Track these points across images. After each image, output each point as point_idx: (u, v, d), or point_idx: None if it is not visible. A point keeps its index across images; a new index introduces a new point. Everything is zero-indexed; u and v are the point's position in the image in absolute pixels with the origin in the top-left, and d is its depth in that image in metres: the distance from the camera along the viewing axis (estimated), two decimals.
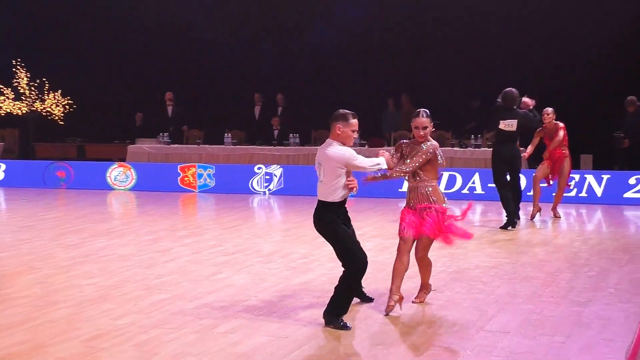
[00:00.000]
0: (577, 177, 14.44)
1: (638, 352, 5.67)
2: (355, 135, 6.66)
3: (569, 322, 6.68)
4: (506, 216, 11.72)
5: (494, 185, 12.14)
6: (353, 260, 6.41)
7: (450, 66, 18.20)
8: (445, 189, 14.41)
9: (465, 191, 14.87)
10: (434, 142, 7.08)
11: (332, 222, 6.48)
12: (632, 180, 14.32)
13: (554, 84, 16.61)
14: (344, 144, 6.43)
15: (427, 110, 7.09)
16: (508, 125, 11.52)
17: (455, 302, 7.23)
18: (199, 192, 16.00)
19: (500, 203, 11.92)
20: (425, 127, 6.98)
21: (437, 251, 9.69)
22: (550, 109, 12.08)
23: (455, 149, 16.19)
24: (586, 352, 5.90)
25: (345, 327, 6.29)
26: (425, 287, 7.29)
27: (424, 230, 6.89)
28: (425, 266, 7.18)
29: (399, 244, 6.96)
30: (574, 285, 8.08)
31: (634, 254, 9.74)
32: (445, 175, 14.74)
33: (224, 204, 14.93)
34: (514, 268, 9.02)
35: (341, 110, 6.58)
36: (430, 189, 7.01)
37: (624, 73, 16.30)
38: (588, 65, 16.71)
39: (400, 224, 7.02)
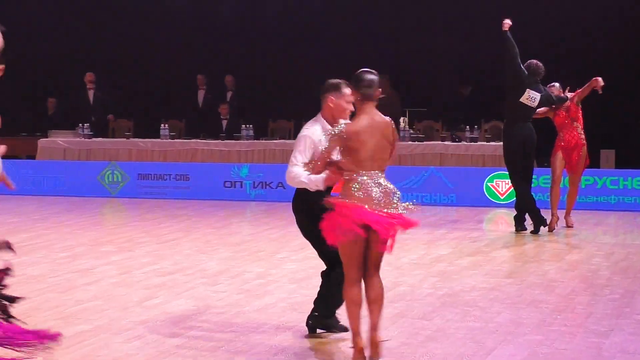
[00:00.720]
0: (594, 177, 14.70)
1: None
2: (351, 107, 6.69)
3: (586, 356, 6.67)
4: (532, 217, 12.01)
5: (508, 180, 12.42)
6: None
7: (438, 45, 18.36)
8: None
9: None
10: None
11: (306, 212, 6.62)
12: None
13: (567, 67, 16.83)
14: (337, 118, 6.55)
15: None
16: (531, 99, 11.68)
17: (446, 333, 7.21)
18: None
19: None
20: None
21: (424, 269, 9.79)
22: (556, 84, 12.33)
23: (446, 143, 16.36)
24: None
25: (345, 328, 6.52)
26: None
27: None
28: None
29: None
30: (592, 311, 8.09)
31: None
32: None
33: (161, 212, 14.97)
34: (518, 290, 9.03)
35: (332, 80, 6.77)
36: None
37: None
38: (610, 46, 17.07)
39: None
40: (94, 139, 17.40)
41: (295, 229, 7.22)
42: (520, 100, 11.83)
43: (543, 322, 7.75)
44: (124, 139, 17.38)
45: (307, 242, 6.84)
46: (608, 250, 11.25)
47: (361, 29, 19.09)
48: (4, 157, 17.02)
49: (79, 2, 19.63)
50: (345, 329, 6.89)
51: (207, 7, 19.82)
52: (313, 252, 6.92)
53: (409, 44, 18.70)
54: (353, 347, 6.03)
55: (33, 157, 17.49)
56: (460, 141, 16.30)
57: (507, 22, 12.20)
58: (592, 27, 17.64)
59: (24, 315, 7.78)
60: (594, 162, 15.59)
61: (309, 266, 9.52)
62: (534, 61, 11.94)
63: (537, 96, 11.80)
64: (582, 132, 12.47)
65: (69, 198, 15.94)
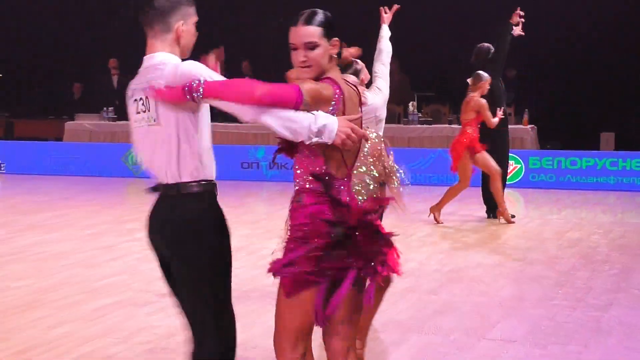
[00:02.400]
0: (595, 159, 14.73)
1: None
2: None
3: (586, 329, 6.71)
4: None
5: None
6: None
7: (446, 31, 18.24)
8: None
9: None
10: None
11: None
12: (635, 164, 14.54)
13: (568, 51, 16.88)
14: None
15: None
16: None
17: (453, 307, 7.26)
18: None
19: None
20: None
21: (431, 246, 9.82)
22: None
23: (453, 126, 16.26)
24: None
25: None
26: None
27: None
28: None
29: None
30: (591, 286, 8.13)
31: None
32: None
33: None
34: (521, 266, 9.08)
35: None
36: None
37: None
38: (610, 30, 16.90)
39: None
40: (118, 122, 17.40)
41: None
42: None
43: (545, 296, 7.81)
44: None
45: None
46: (607, 228, 11.28)
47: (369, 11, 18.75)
48: (34, 139, 17.15)
49: None
50: None
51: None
52: None
53: (417, 30, 18.35)
54: None
55: (60, 139, 17.56)
56: None
57: (519, 14, 11.92)
58: (589, 15, 17.38)
59: (51, 289, 7.96)
60: (594, 144, 15.74)
61: None
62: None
63: None
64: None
65: (94, 178, 16.03)
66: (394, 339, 6.45)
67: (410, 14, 18.64)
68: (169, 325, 6.50)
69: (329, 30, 3.86)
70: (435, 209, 11.69)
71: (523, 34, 11.65)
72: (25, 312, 7.18)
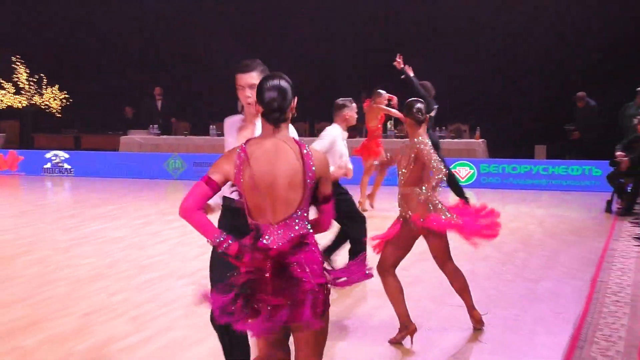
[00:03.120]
0: (530, 166, 14.68)
1: (584, 323, 5.76)
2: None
3: (523, 297, 6.80)
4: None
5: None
6: None
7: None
8: None
9: None
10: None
11: None
12: (578, 170, 14.44)
13: (511, 79, 16.72)
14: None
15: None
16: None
17: (422, 280, 7.23)
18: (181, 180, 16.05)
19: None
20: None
21: None
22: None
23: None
24: (538, 324, 6.01)
25: None
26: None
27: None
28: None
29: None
30: (527, 264, 8.20)
31: (583, 236, 9.85)
32: None
33: None
34: (474, 249, 9.08)
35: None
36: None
37: (576, 70, 16.22)
38: (542, 59, 16.76)
39: None
40: (161, 136, 17.36)
41: None
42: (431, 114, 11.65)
43: (492, 272, 7.81)
44: (183, 136, 17.25)
45: None
46: (540, 219, 11.25)
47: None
48: (96, 149, 16.85)
49: (149, 40, 19.48)
50: None
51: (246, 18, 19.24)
52: None
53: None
54: None
55: (116, 150, 17.47)
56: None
57: (398, 60, 10.87)
58: (521, 37, 17.09)
59: (110, 266, 7.97)
60: (530, 154, 15.66)
61: None
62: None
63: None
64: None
65: (142, 180, 15.88)
66: (375, 304, 6.43)
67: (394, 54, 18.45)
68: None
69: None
70: (371, 198, 11.82)
71: (403, 65, 10.81)
72: (91, 283, 7.24)
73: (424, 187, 5.46)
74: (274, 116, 3.31)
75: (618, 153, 11.47)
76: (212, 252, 3.99)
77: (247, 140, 3.37)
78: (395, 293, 5.62)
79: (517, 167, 14.67)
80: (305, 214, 3.35)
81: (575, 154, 15.11)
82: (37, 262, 8.18)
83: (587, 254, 8.65)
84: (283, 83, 3.36)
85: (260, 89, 3.34)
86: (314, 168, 3.31)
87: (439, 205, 5.60)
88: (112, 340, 5.55)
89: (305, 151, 3.33)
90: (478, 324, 5.87)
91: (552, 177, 14.51)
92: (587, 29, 16.15)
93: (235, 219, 3.80)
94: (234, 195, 3.86)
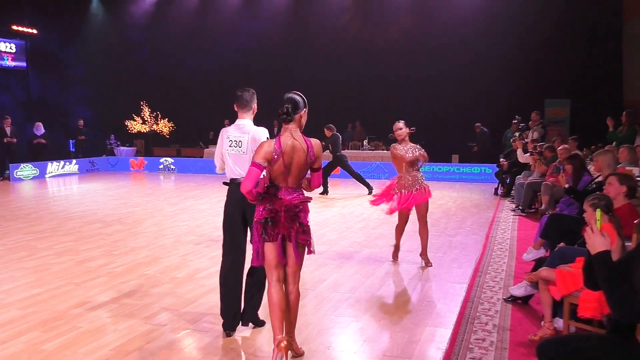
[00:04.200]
0: (449, 167, 14.38)
1: (481, 261, 5.83)
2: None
3: (444, 246, 6.79)
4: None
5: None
6: None
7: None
8: None
9: None
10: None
11: None
12: (477, 169, 14.38)
13: (434, 111, 15.87)
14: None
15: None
16: None
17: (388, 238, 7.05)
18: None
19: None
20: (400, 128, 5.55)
21: (369, 214, 8.35)
22: None
23: (378, 151, 14.75)
24: (454, 262, 5.99)
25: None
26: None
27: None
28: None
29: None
30: (447, 225, 8.16)
31: (480, 209, 9.54)
32: None
33: None
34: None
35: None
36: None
37: (476, 102, 15.64)
38: (460, 101, 16.00)
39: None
40: None
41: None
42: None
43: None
44: None
45: None
46: (455, 199, 11.05)
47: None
48: (190, 156, 14.68)
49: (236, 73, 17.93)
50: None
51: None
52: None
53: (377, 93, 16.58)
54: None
55: (202, 157, 17.35)
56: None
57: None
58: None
59: (199, 226, 7.80)
60: (448, 159, 15.04)
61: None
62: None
63: None
64: None
65: (217, 175, 14.57)
66: (338, 264, 6.04)
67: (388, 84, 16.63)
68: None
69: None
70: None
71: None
72: (186, 237, 7.28)
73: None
74: (282, 117, 3.32)
75: (501, 159, 11.52)
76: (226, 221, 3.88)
77: (277, 137, 3.34)
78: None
79: (442, 167, 14.59)
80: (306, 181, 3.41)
81: (475, 160, 15.04)
82: (155, 224, 8.20)
83: (483, 220, 8.57)
84: (296, 97, 3.35)
85: (282, 100, 3.34)
86: (312, 152, 3.35)
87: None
88: (198, 271, 5.61)
89: (309, 143, 3.35)
90: (428, 264, 5.87)
91: (462, 174, 14.44)
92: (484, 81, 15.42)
93: (238, 189, 3.60)
94: (238, 176, 3.86)
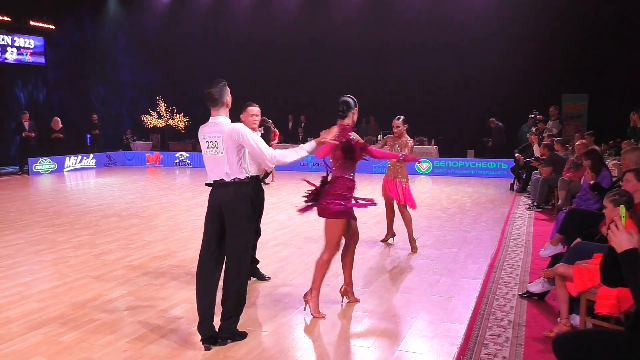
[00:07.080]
0: (462, 163, 14.33)
1: (497, 257, 5.85)
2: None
3: (459, 241, 6.80)
4: None
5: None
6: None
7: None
8: None
9: None
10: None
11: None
12: (493, 165, 14.30)
13: (449, 107, 15.85)
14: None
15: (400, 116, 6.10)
16: None
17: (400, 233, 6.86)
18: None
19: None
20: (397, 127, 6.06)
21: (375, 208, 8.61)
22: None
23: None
24: (469, 257, 6.00)
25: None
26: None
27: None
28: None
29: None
30: (462, 220, 8.18)
31: (496, 204, 9.74)
32: None
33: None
34: (428, 211, 8.89)
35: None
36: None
37: (490, 104, 15.56)
38: (476, 97, 15.94)
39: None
40: None
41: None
42: None
43: (439, 225, 7.76)
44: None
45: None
46: (470, 194, 11.04)
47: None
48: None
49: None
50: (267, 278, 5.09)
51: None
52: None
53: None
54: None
55: None
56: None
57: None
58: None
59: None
60: (464, 154, 15.04)
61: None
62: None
63: None
64: None
65: None
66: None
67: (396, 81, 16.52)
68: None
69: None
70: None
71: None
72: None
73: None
74: (339, 114, 4.09)
75: (517, 154, 11.39)
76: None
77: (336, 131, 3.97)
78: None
79: (457, 162, 14.49)
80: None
81: (490, 155, 14.97)
82: (170, 218, 8.26)
83: (498, 215, 8.56)
84: (349, 99, 4.13)
85: (338, 101, 4.11)
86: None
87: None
88: None
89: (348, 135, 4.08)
90: (414, 249, 6.06)
91: (477, 169, 14.34)
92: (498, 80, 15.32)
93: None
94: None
